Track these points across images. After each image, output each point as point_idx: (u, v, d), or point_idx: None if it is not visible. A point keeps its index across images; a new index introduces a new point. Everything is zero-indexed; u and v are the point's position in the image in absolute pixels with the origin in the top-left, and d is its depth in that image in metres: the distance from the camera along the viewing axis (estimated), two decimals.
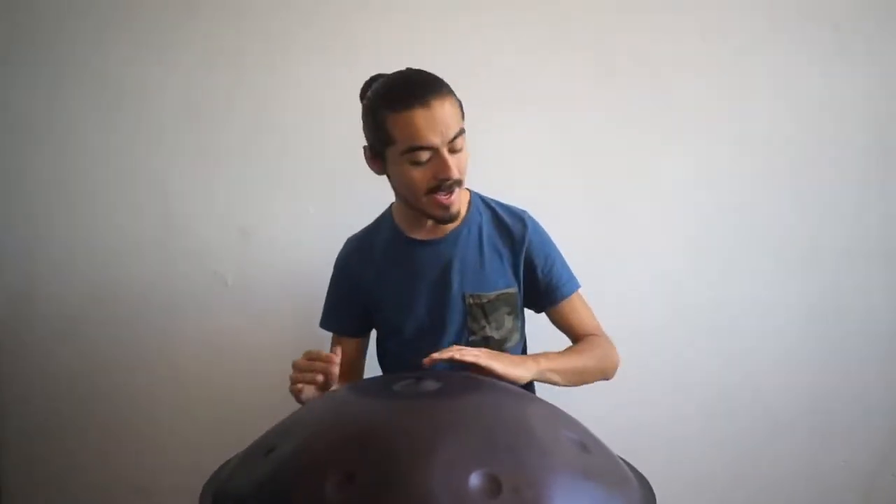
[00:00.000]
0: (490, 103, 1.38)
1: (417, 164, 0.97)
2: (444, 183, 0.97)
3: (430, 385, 0.73)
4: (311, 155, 1.50)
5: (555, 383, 1.01)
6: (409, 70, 1.03)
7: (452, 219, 1.05)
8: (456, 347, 0.92)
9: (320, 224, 1.51)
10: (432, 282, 1.10)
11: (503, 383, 0.83)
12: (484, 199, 1.17)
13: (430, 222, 1.09)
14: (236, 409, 1.52)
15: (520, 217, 1.14)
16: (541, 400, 0.80)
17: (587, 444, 0.67)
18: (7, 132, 1.50)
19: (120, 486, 1.55)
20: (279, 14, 1.46)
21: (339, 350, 0.92)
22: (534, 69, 1.47)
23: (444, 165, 0.96)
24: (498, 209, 1.15)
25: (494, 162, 1.37)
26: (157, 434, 1.55)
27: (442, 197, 0.99)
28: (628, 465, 0.78)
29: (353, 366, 1.19)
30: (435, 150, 0.96)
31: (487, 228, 1.12)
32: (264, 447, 0.67)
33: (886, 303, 1.53)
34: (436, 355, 0.90)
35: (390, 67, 1.46)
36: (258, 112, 1.48)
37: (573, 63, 1.47)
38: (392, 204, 1.17)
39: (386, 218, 1.17)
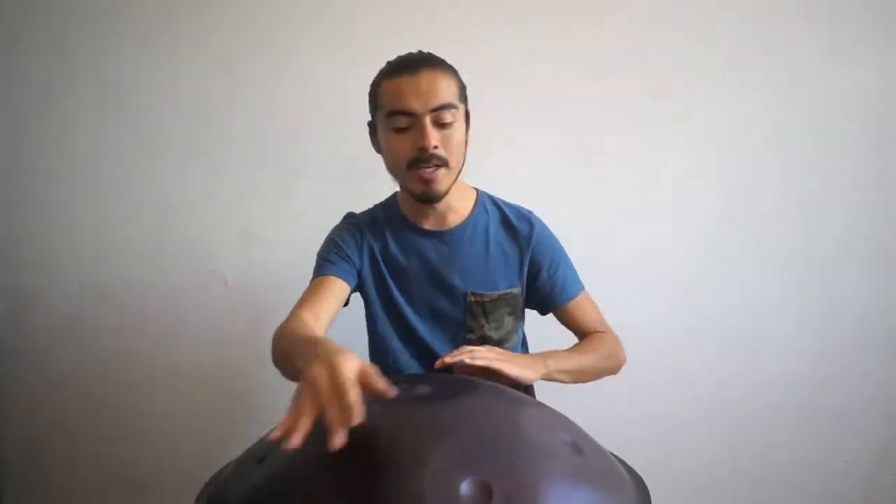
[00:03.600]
0: (489, 104, 1.38)
1: (399, 130, 0.98)
2: (423, 154, 0.96)
3: (423, 389, 0.72)
4: (310, 155, 1.50)
5: (561, 382, 1.01)
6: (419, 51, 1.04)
7: (433, 198, 1.02)
8: (467, 349, 0.90)
9: (320, 224, 1.51)
10: (435, 274, 1.09)
11: (497, 385, 0.82)
12: (493, 199, 1.16)
13: (433, 213, 1.08)
14: (235, 408, 1.53)
15: (527, 217, 1.13)
16: (535, 402, 0.80)
17: (581, 445, 0.67)
18: (8, 133, 1.50)
19: (119, 484, 1.56)
20: (279, 15, 1.46)
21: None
22: (533, 69, 1.47)
23: (423, 133, 0.95)
24: (506, 209, 1.14)
25: (493, 162, 1.38)
26: (157, 433, 1.55)
27: (423, 171, 0.98)
28: (624, 464, 0.78)
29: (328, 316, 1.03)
30: (416, 118, 0.96)
31: (494, 228, 1.12)
32: (257, 455, 0.67)
33: (886, 303, 1.53)
34: (447, 359, 0.88)
35: None
36: (258, 113, 1.49)
37: (572, 63, 1.47)
38: (396, 192, 1.16)
39: (390, 205, 1.15)
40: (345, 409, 0.55)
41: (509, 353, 0.97)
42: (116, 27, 1.47)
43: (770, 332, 1.54)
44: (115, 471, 1.56)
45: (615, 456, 0.77)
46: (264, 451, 0.66)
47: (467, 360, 0.88)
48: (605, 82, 1.48)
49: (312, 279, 1.07)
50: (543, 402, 0.81)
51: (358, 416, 0.55)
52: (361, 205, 1.46)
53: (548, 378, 0.99)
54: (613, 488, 0.65)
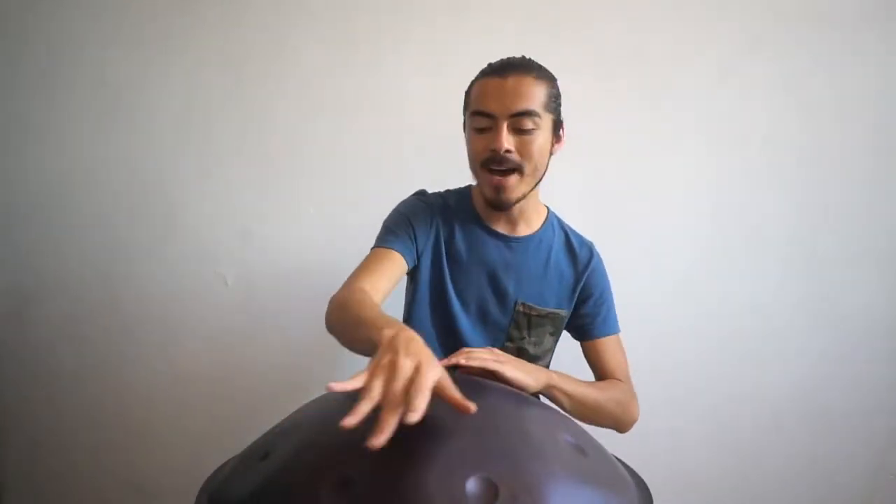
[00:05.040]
0: None
1: (479, 130, 1.00)
2: (495, 156, 0.97)
3: None
4: (311, 155, 1.50)
5: (560, 405, 0.99)
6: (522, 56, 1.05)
7: (503, 205, 1.03)
8: (465, 351, 0.89)
9: (320, 224, 1.51)
10: (493, 276, 1.09)
11: (502, 385, 0.82)
12: (560, 221, 1.18)
13: (506, 217, 1.09)
14: (236, 408, 1.53)
15: (588, 246, 1.16)
16: (540, 403, 0.80)
17: (584, 447, 0.67)
18: (7, 133, 1.50)
19: (119, 485, 1.56)
20: (278, 14, 1.46)
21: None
22: None
23: (497, 136, 0.97)
24: (570, 233, 1.16)
25: None
26: (157, 433, 1.55)
27: (493, 175, 0.99)
28: (626, 467, 0.78)
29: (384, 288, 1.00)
30: (494, 120, 0.97)
31: (557, 248, 1.13)
32: (260, 452, 0.67)
33: (887, 303, 1.53)
34: (443, 362, 0.85)
35: (389, 67, 1.47)
36: (258, 112, 1.49)
37: (572, 62, 1.47)
38: (470, 185, 1.16)
39: (463, 196, 1.15)
40: (410, 409, 0.55)
41: (511, 356, 0.95)
42: (118, 28, 1.47)
43: (771, 332, 1.54)
44: (115, 471, 1.56)
45: (617, 458, 0.77)
46: (266, 449, 0.66)
47: (462, 362, 0.87)
48: (605, 83, 1.48)
49: (375, 247, 1.05)
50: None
51: (414, 418, 0.55)
52: (361, 205, 1.47)
53: (547, 393, 0.97)
54: (616, 489, 0.65)
